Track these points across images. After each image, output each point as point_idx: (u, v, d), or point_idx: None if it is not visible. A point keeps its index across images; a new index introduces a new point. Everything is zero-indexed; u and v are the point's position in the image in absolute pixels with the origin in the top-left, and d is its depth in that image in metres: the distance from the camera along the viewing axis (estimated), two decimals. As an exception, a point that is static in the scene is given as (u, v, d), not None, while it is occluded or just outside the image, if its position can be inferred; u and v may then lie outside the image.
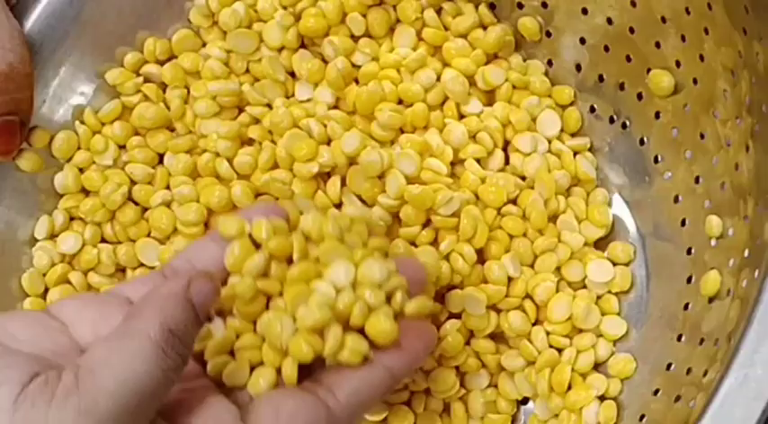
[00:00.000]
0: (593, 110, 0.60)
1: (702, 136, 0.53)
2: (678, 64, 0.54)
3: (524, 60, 0.61)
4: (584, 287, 0.57)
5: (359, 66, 0.60)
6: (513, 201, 0.57)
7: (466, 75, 0.59)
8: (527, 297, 0.56)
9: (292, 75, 0.61)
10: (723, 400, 0.41)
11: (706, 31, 0.51)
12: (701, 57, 0.52)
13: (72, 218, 0.60)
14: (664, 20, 0.54)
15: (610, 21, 0.57)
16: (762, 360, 0.40)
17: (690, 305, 0.52)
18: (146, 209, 0.60)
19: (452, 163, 0.58)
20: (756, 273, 0.43)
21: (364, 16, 0.60)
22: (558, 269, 0.57)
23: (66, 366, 0.39)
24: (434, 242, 0.56)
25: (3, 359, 0.39)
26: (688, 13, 0.52)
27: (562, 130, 0.60)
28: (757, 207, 0.46)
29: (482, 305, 0.55)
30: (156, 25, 0.62)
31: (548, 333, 0.56)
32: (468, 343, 0.57)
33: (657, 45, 0.55)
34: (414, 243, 0.56)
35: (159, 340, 0.39)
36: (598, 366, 0.56)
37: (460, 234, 0.56)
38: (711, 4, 0.50)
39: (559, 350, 0.56)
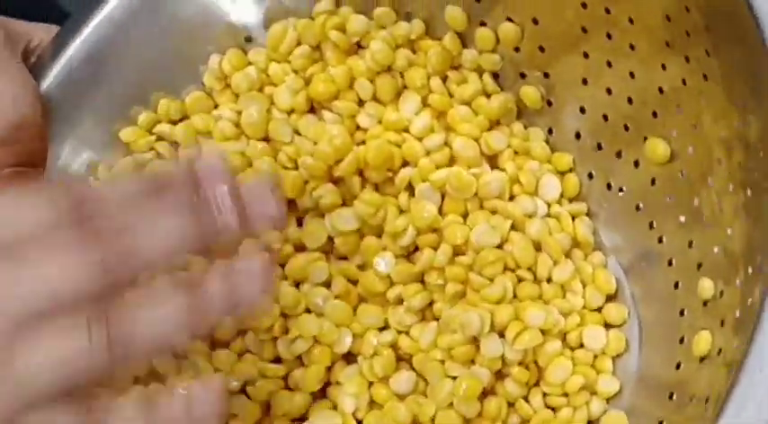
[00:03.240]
0: (591, 176, 0.61)
1: (696, 203, 0.54)
2: (674, 132, 0.56)
3: (525, 128, 0.63)
4: (582, 345, 0.58)
5: (365, 129, 0.61)
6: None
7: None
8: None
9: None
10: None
11: (702, 101, 0.53)
12: (697, 127, 0.54)
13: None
14: (661, 90, 0.55)
15: (609, 91, 0.59)
16: (744, 422, 0.41)
17: (681, 365, 0.52)
18: (155, 263, 0.61)
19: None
20: (745, 335, 0.44)
21: (372, 82, 0.62)
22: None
23: None
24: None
25: None
26: (684, 83, 0.54)
27: (561, 195, 0.61)
28: (748, 272, 0.47)
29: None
30: (170, 86, 0.63)
31: (545, 394, 0.57)
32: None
33: (654, 114, 0.56)
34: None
35: None
36: (591, 424, 0.57)
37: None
38: (707, 75, 0.52)
39: (554, 409, 0.57)
